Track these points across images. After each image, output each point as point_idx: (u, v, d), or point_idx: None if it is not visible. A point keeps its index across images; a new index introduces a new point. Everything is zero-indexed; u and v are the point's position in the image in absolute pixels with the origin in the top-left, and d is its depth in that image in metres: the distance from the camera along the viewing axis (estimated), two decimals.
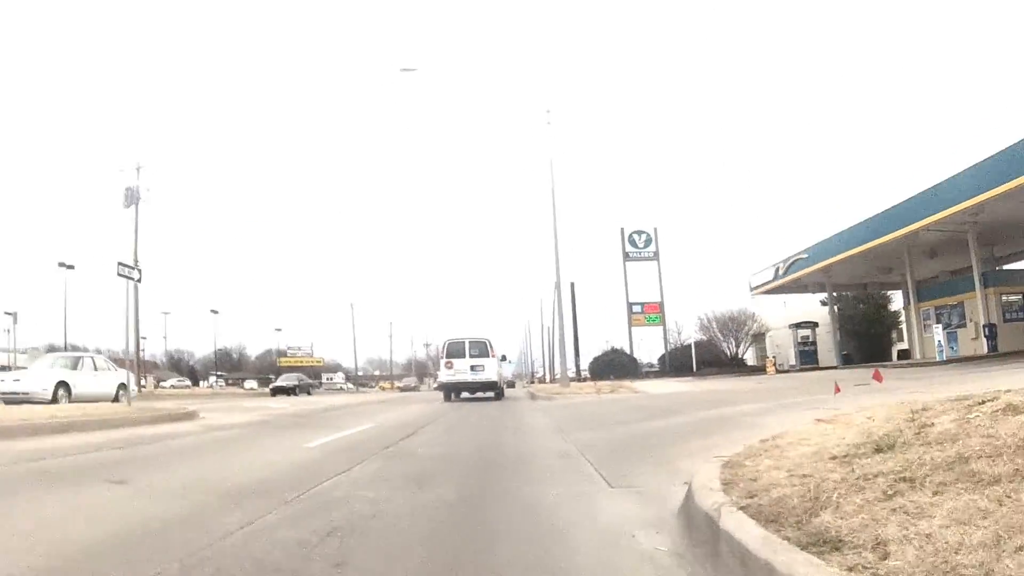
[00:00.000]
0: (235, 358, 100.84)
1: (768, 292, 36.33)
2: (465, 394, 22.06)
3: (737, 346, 41.90)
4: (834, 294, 36.74)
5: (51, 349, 65.40)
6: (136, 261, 41.26)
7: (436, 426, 10.65)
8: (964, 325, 26.86)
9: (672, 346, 47.01)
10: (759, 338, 43.25)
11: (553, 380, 64.19)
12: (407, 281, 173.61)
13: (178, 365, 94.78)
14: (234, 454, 7.26)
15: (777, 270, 33.60)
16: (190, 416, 12.76)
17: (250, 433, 9.81)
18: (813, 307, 43.05)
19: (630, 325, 46.09)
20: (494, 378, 21.12)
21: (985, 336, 24.63)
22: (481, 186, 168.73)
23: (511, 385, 38.11)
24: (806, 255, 31.17)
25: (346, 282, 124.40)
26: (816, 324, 35.74)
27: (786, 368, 35.89)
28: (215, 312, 76.01)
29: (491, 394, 21.56)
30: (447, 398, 21.37)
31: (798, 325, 35.72)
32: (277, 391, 39.41)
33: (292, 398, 31.30)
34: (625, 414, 11.17)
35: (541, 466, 5.92)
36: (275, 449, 7.64)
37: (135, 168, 39.36)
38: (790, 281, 33.59)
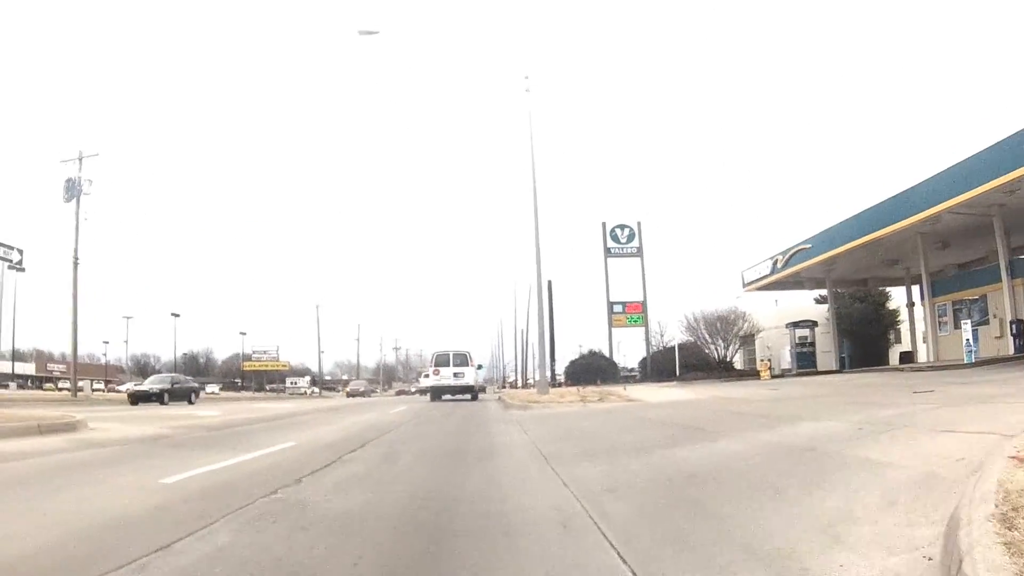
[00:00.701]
0: (202, 362, 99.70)
1: (763, 288, 33.47)
2: (447, 396, 25.69)
3: (726, 348, 38.99)
4: (835, 291, 34.13)
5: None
6: (76, 259, 37.64)
7: (374, 449, 7.61)
8: (987, 322, 24.15)
9: (654, 349, 44.06)
10: (747, 340, 40.41)
11: (526, 385, 61.47)
12: (376, 281, 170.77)
13: (144, 369, 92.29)
14: (47, 495, 4.73)
15: (775, 263, 30.76)
16: (71, 427, 10.19)
17: (120, 455, 7.28)
18: (807, 305, 40.41)
19: (610, 326, 43.03)
20: (471, 383, 26.10)
21: (1012, 334, 21.88)
22: (454, 182, 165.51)
23: (482, 390, 38.89)
24: (809, 245, 28.37)
25: (315, 285, 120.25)
26: (815, 323, 33.00)
27: (779, 372, 33.04)
28: (176, 315, 72.57)
29: (468, 396, 25.82)
30: (433, 399, 25.31)
31: (796, 324, 32.91)
32: (138, 398, 26.32)
33: (210, 406, 23.01)
34: (633, 433, 7.98)
35: (524, 563, 2.95)
36: (115, 486, 5.14)
37: (77, 159, 35.60)
38: (789, 275, 30.81)
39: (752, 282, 33.02)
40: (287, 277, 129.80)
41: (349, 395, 50.65)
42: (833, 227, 27.12)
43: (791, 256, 29.69)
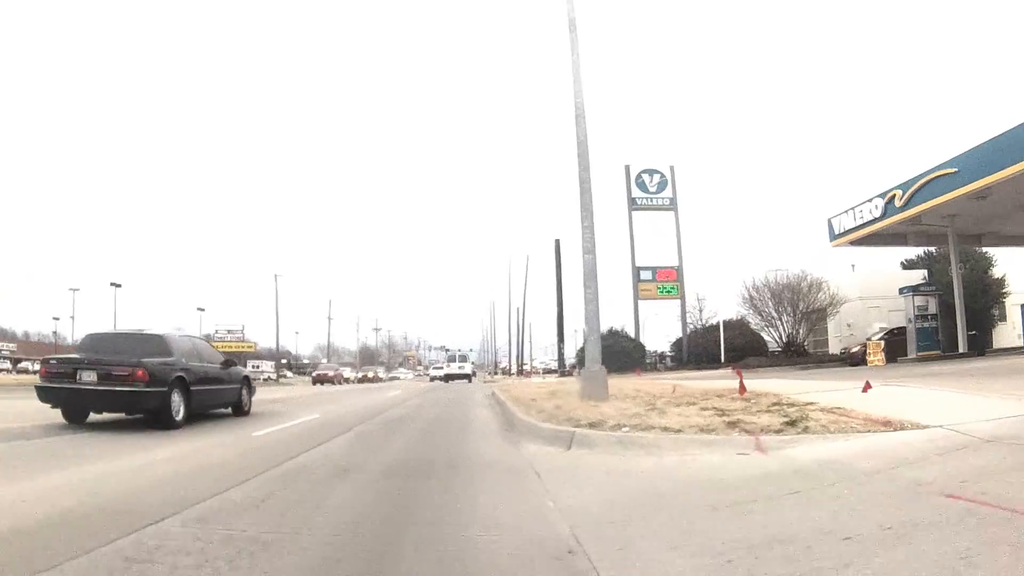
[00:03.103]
0: None
1: (860, 241, 23.94)
2: (453, 381, 39.51)
3: (797, 325, 29.57)
4: (946, 250, 24.74)
5: None
6: None
7: None
8: None
9: (691, 327, 34.69)
10: (817, 315, 30.99)
11: (521, 371, 50.73)
12: (355, 261, 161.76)
13: None
14: None
15: (890, 200, 21.28)
16: None
17: None
18: (893, 271, 31.21)
19: (636, 297, 33.70)
20: (469, 372, 44.51)
21: None
22: (432, 144, 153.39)
23: (474, 374, 46.88)
24: (955, 169, 18.93)
25: (290, 262, 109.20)
26: (938, 290, 23.74)
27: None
28: (117, 285, 61.86)
29: (466, 380, 40.07)
30: (446, 381, 39.58)
31: (914, 289, 23.64)
32: None
33: None
34: None
35: None
36: None
37: None
38: (906, 219, 21.43)
39: (849, 231, 23.46)
40: (258, 254, 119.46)
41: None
42: (994, 140, 17.75)
43: (921, 187, 20.22)
